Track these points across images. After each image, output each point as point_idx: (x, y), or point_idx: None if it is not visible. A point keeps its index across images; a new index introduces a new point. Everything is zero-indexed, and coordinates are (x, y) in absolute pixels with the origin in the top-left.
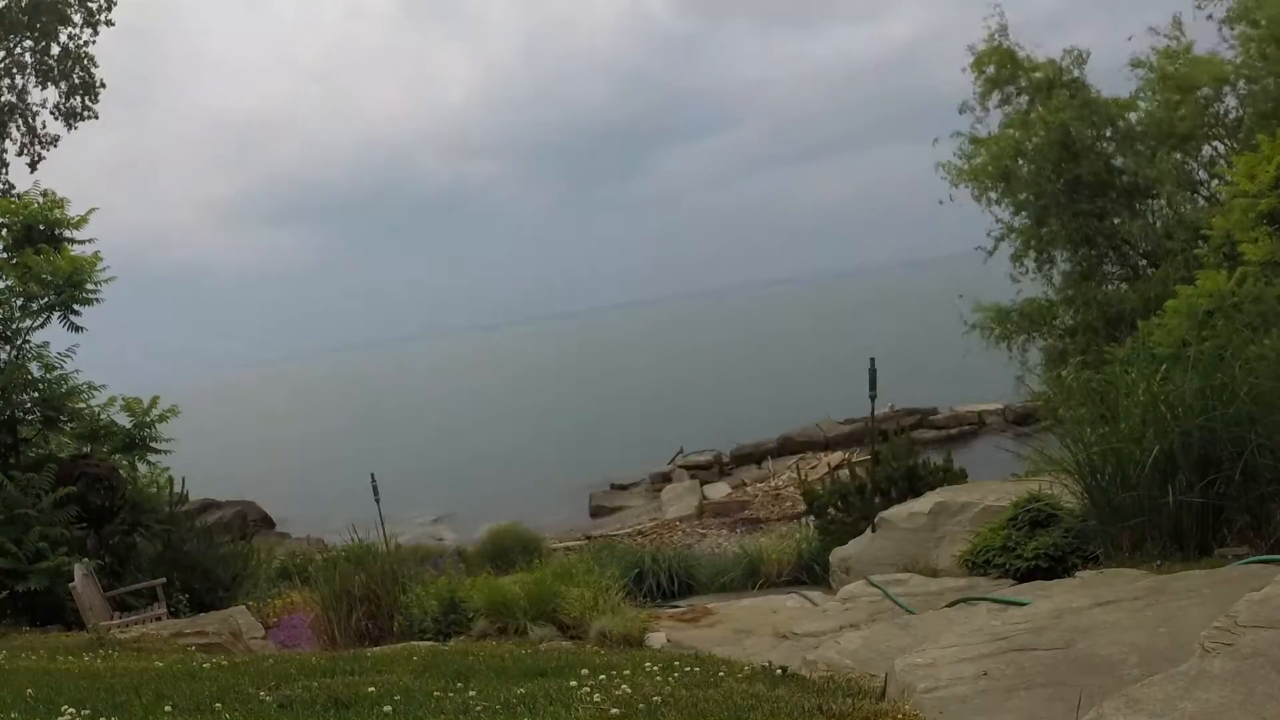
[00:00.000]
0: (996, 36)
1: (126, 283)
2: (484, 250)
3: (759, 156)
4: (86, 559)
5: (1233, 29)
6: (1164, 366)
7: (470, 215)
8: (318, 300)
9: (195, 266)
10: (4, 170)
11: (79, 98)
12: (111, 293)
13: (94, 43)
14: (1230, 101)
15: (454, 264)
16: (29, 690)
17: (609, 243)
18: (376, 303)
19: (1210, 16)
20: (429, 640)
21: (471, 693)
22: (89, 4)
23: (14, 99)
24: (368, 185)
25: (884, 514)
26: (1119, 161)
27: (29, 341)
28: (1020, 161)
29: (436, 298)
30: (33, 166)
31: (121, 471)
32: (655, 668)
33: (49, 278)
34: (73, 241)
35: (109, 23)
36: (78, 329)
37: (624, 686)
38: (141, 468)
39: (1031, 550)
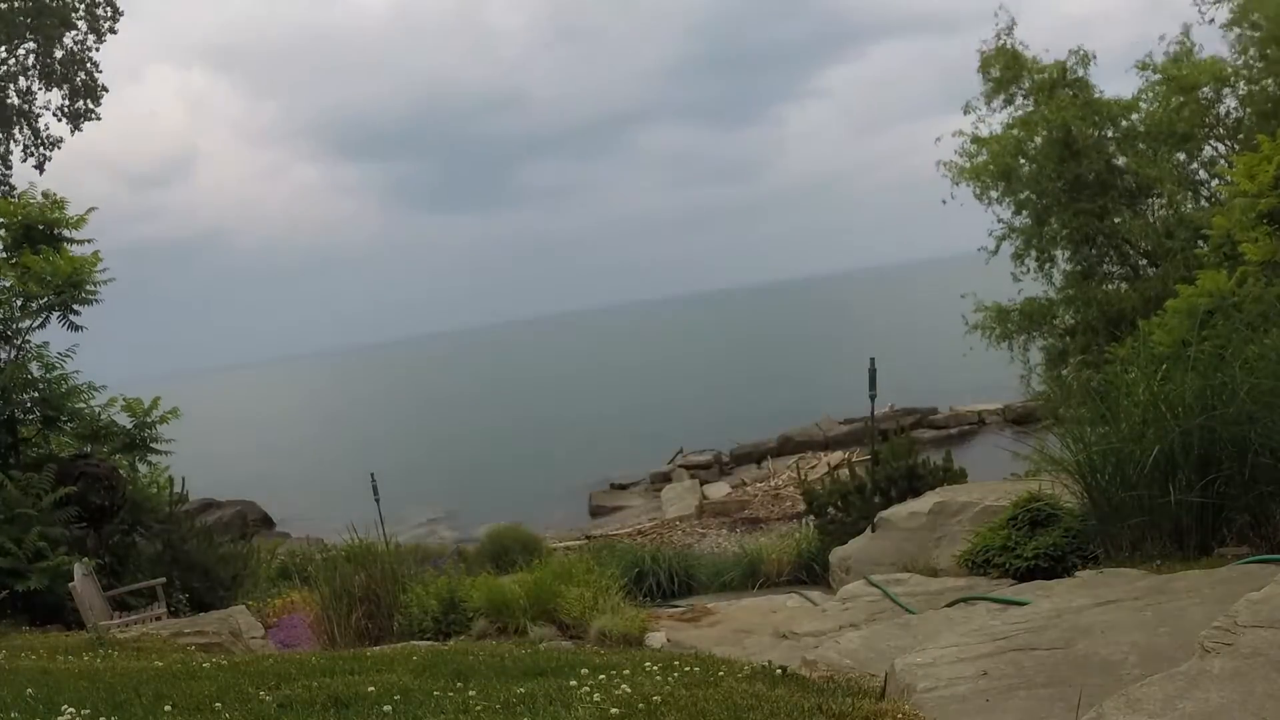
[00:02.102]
0: (1003, 36)
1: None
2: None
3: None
4: (86, 559)
5: (1233, 31)
6: (1164, 366)
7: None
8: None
9: (208, 229)
10: (10, 172)
11: (83, 100)
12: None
13: (98, 48)
14: (1231, 103)
15: (519, 245)
16: (29, 690)
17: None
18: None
19: (1212, 20)
20: (429, 640)
21: (471, 692)
22: (95, 10)
23: (19, 101)
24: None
25: (884, 514)
26: (1120, 161)
27: (29, 341)
28: (1022, 160)
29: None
30: (40, 169)
31: (121, 471)
32: (655, 667)
33: (49, 278)
34: (72, 241)
35: (114, 30)
36: (77, 329)
37: (624, 686)
38: (142, 468)
39: (1031, 550)
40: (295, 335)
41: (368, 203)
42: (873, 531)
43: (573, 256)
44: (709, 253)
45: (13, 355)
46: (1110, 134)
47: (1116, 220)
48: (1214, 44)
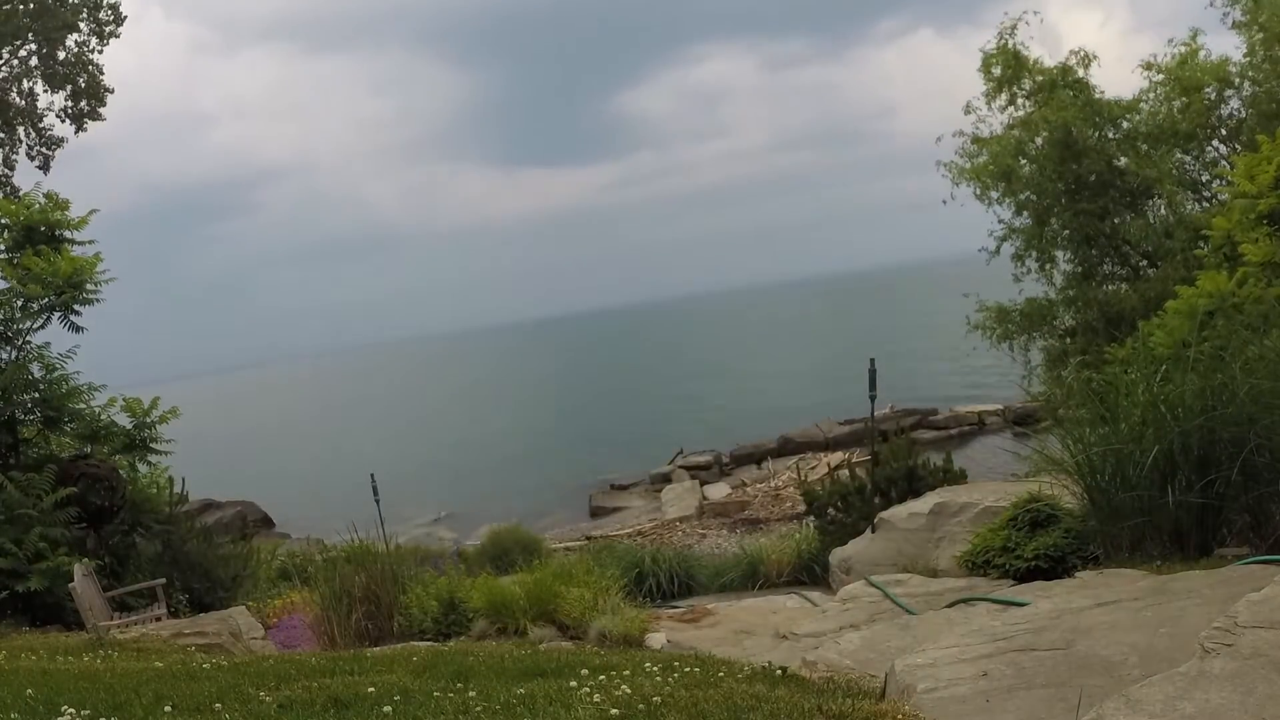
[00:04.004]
0: (1005, 36)
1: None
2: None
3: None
4: (86, 559)
5: (1244, 33)
6: (1164, 367)
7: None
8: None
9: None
10: (12, 172)
11: (86, 102)
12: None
13: (101, 51)
14: (1234, 104)
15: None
16: (29, 690)
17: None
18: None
19: (1225, 16)
20: (429, 640)
21: (471, 693)
22: (98, 15)
23: (22, 103)
24: None
25: (884, 514)
26: (1121, 161)
27: (29, 342)
28: (1022, 161)
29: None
30: (44, 169)
31: (122, 472)
32: (655, 668)
33: (49, 278)
34: (73, 242)
35: (116, 34)
36: (78, 329)
37: (624, 687)
38: (142, 468)
39: (1031, 551)
40: (302, 332)
41: (418, 151)
42: (873, 532)
43: (646, 236)
44: (803, 231)
45: (14, 356)
46: (1111, 135)
47: (1117, 221)
48: (1227, 48)
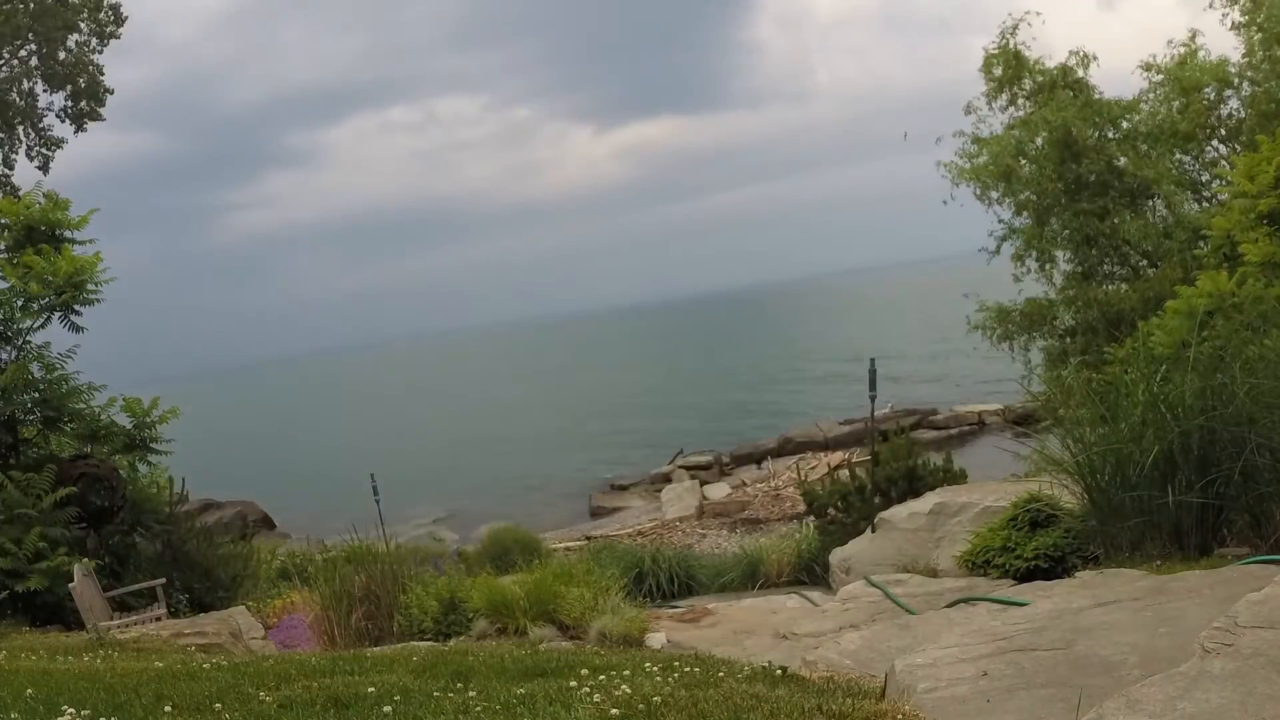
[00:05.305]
0: (1007, 36)
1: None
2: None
3: None
4: (86, 559)
5: (1243, 33)
6: (1164, 367)
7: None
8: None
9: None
10: (11, 172)
11: (85, 102)
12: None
13: (101, 51)
14: (1234, 104)
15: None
16: (29, 690)
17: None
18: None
19: (1225, 16)
20: (429, 640)
21: (471, 693)
22: (98, 15)
23: (22, 103)
24: None
25: (884, 514)
26: (1121, 162)
27: (29, 342)
28: (1022, 161)
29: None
30: (44, 169)
31: (122, 472)
32: (655, 668)
33: (50, 278)
34: (74, 242)
35: (116, 35)
36: (78, 329)
37: (624, 687)
38: (142, 468)
39: (1031, 550)
40: (305, 329)
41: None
42: (873, 532)
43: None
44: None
45: (13, 356)
46: (1111, 135)
47: (1117, 221)
48: (1225, 49)
